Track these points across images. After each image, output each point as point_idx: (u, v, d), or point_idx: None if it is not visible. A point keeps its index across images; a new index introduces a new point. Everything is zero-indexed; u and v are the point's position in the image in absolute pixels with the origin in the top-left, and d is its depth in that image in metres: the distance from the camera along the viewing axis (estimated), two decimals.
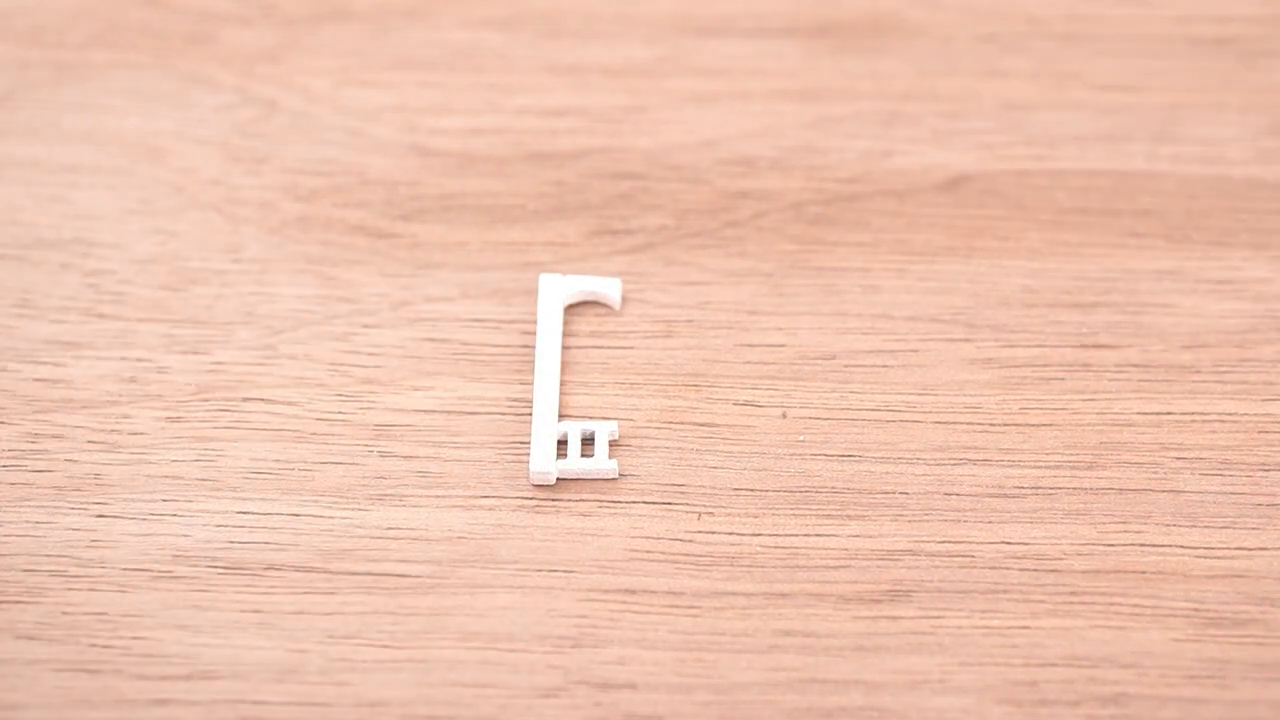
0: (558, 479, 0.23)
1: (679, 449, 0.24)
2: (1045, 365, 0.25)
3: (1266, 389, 0.24)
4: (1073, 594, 0.22)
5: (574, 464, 0.23)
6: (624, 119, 0.28)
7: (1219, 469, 0.23)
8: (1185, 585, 0.22)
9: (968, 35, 0.30)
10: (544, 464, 0.23)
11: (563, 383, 0.24)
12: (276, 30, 0.30)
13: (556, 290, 0.25)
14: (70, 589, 0.22)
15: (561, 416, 0.24)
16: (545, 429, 0.23)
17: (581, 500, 0.23)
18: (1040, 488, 0.23)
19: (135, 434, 0.24)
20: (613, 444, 0.23)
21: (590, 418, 0.24)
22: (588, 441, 0.23)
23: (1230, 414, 0.24)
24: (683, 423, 0.24)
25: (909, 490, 0.23)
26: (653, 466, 0.23)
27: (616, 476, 0.23)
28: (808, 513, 0.23)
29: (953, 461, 0.23)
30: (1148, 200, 0.27)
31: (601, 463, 0.23)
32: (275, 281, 0.26)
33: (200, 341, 0.25)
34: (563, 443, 0.23)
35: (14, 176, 0.27)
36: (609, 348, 0.25)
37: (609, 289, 0.25)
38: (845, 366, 0.25)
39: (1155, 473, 0.23)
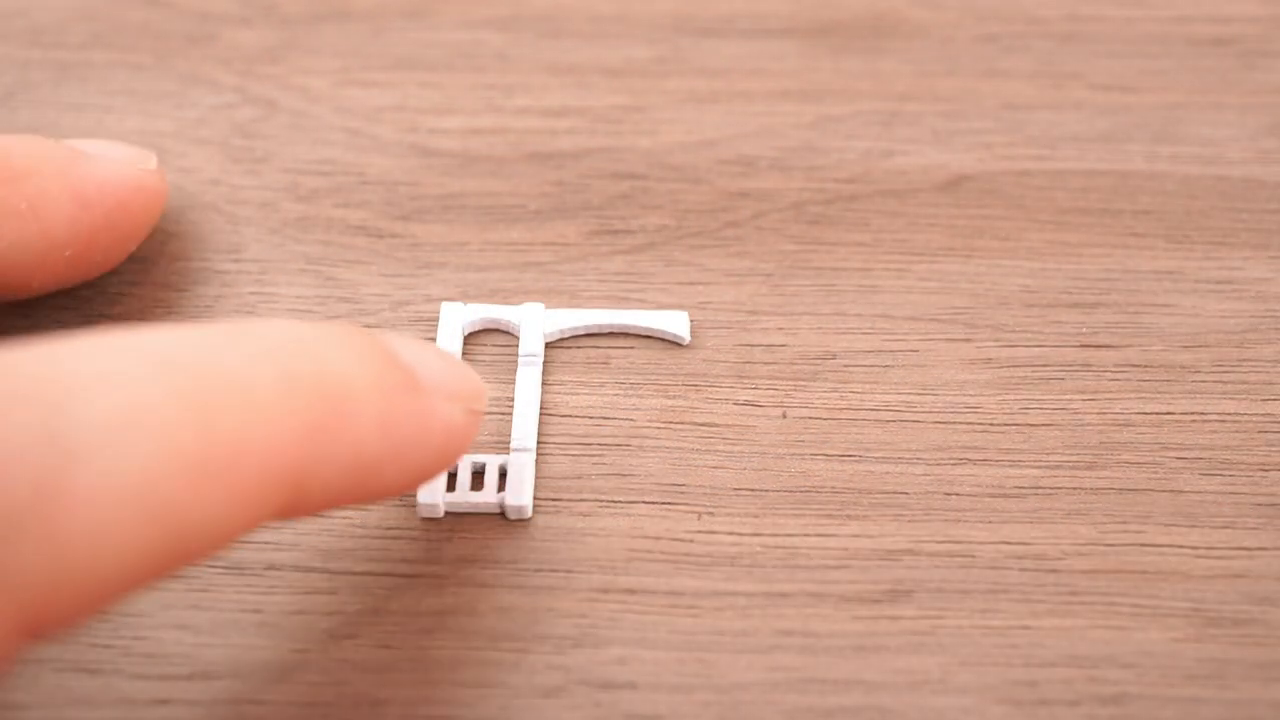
0: (446, 512, 0.23)
1: (679, 449, 0.24)
2: (1045, 365, 0.25)
3: (1266, 389, 0.24)
4: (1073, 594, 0.22)
5: (462, 497, 0.22)
6: (624, 119, 0.28)
7: (1219, 469, 0.23)
8: (1185, 585, 0.22)
9: (968, 35, 0.30)
10: (431, 495, 0.22)
11: (564, 382, 0.24)
12: (276, 30, 0.30)
13: (457, 319, 0.25)
14: None
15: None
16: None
17: (582, 500, 0.23)
18: (1040, 488, 0.23)
19: None
20: (616, 444, 0.23)
21: (587, 415, 0.24)
22: (478, 474, 0.23)
23: (1230, 414, 0.24)
24: (683, 423, 0.24)
25: (909, 490, 0.23)
26: (653, 466, 0.23)
27: (500, 511, 0.23)
28: (808, 513, 0.23)
29: (953, 461, 0.23)
30: (1148, 200, 0.27)
31: (490, 495, 0.22)
32: (275, 281, 0.26)
33: None
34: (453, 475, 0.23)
35: None
36: (608, 348, 0.25)
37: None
38: (845, 366, 0.25)
39: (1155, 473, 0.23)
